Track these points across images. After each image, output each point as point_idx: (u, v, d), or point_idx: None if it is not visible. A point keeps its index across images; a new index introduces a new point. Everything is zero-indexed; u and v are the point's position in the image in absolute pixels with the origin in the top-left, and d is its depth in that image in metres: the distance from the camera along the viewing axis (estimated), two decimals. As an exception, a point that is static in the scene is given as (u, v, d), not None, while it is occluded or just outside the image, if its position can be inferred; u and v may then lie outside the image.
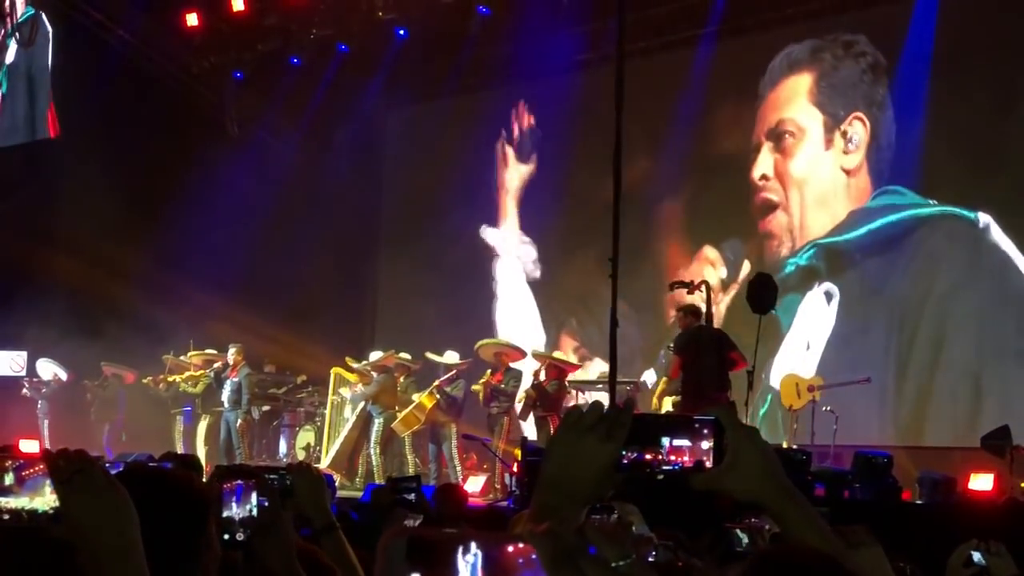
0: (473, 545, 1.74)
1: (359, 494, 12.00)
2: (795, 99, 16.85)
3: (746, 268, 16.79)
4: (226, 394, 16.66)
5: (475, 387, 15.18)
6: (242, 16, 18.36)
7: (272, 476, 3.11)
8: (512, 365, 15.11)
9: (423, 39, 18.43)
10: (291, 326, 18.16)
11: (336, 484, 12.18)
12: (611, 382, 11.33)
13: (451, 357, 15.46)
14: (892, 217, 15.81)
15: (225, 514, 2.74)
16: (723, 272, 17.19)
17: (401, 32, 18.51)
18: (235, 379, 16.57)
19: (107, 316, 17.17)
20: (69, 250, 17.57)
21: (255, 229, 18.64)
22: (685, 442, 2.02)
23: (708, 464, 2.01)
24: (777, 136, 16.87)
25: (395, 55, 18.88)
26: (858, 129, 16.23)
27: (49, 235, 17.85)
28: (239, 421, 16.48)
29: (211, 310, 17.41)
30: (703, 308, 12.40)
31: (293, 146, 19.80)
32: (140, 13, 18.79)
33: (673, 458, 2.02)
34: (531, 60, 17.50)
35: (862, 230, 16.05)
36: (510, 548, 1.75)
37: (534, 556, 1.70)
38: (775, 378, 15.65)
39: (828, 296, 16.27)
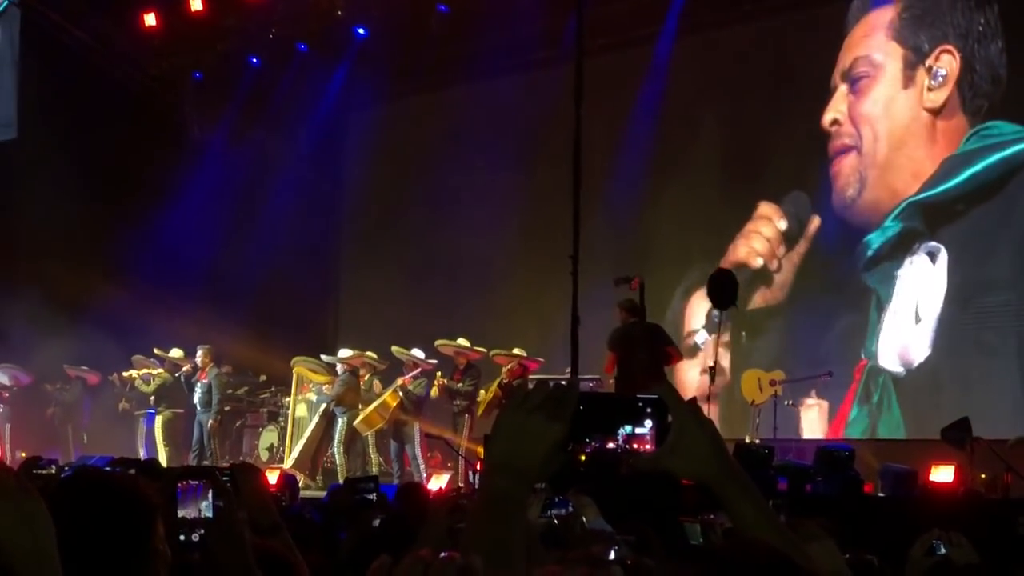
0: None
1: (322, 494, 11.93)
2: (873, 35, 15.21)
3: (815, 222, 15.55)
4: (198, 396, 16.67)
5: (434, 386, 15.19)
6: (201, 16, 18.23)
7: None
8: (472, 363, 15.19)
9: (383, 38, 18.39)
10: (253, 325, 18.08)
11: (299, 485, 12.13)
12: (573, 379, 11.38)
13: (417, 354, 15.44)
14: (995, 157, 14.07)
15: (180, 515, 2.72)
16: (783, 225, 15.91)
17: (361, 31, 18.49)
18: (205, 381, 16.56)
19: (70, 318, 17.03)
20: (30, 251, 17.45)
21: (217, 229, 18.57)
22: (644, 431, 2.03)
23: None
24: (852, 78, 15.27)
25: (355, 54, 18.84)
26: (945, 64, 14.47)
27: (9, 236, 17.71)
28: (211, 422, 16.46)
29: (174, 310, 17.27)
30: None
31: (254, 146, 19.71)
32: (98, 14, 18.67)
33: (635, 446, 2.02)
34: (492, 57, 17.46)
35: (961, 176, 14.25)
36: None
37: None
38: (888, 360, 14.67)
39: (932, 256, 14.47)
